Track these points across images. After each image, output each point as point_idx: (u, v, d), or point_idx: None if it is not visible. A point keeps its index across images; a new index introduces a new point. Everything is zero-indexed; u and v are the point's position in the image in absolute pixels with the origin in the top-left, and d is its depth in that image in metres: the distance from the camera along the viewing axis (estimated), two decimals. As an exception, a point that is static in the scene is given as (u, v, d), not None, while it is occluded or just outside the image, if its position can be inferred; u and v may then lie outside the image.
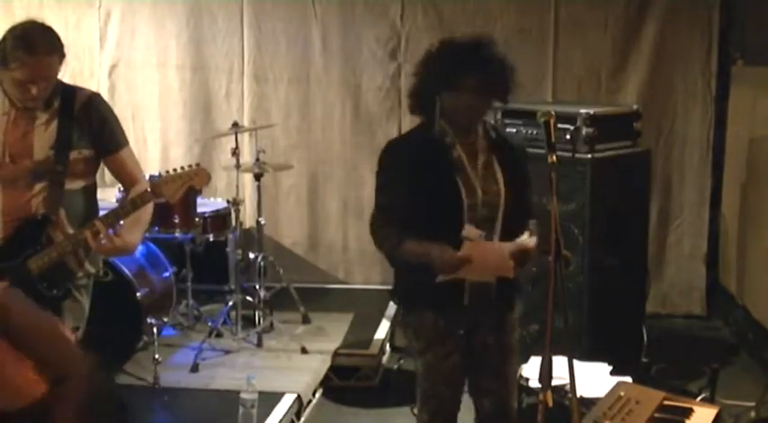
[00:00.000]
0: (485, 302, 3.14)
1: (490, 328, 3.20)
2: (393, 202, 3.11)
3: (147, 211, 3.20)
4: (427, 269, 3.00)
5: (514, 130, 4.73)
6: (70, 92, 3.20)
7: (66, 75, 3.29)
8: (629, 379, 3.85)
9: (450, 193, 3.04)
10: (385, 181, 3.15)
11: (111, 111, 3.31)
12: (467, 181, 3.06)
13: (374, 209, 3.18)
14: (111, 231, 3.06)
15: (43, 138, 3.12)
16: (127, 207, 3.09)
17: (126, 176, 3.31)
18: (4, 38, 3.01)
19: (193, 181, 3.11)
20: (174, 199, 3.12)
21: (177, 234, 5.27)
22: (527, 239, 3.03)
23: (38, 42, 2.99)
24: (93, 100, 3.24)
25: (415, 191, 3.05)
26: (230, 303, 5.42)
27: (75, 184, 3.18)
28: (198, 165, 3.19)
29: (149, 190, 3.10)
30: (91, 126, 3.18)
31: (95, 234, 3.02)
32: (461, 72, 2.98)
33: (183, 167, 3.15)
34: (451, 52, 3.05)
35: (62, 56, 3.07)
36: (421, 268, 3.01)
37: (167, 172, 3.16)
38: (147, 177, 3.45)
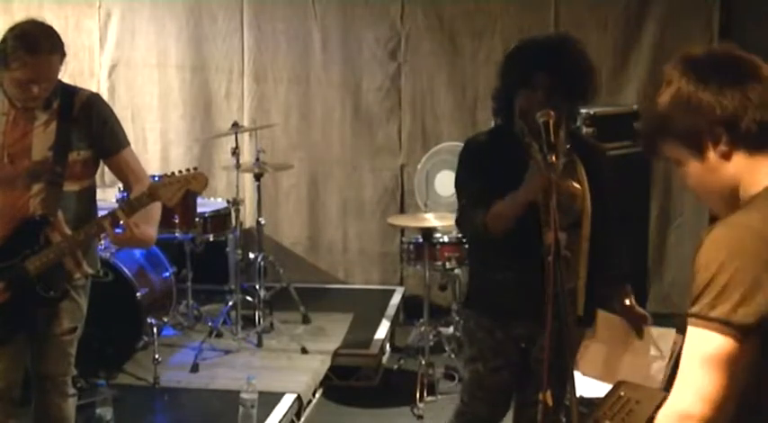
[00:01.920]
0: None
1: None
2: (471, 192, 3.08)
3: (156, 206, 3.17)
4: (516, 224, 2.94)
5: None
6: (70, 92, 3.19)
7: (66, 75, 3.26)
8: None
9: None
10: (459, 174, 3.16)
11: (112, 111, 3.29)
12: None
13: (458, 205, 3.17)
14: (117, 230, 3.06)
15: (42, 138, 3.11)
16: (125, 210, 3.07)
17: (129, 177, 3.29)
18: (4, 38, 2.99)
19: (191, 185, 3.09)
20: (171, 202, 3.09)
21: (177, 234, 5.28)
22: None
23: (39, 42, 2.97)
24: (93, 101, 3.23)
25: (490, 185, 3.01)
26: (230, 303, 5.43)
27: (73, 186, 3.16)
28: (196, 169, 3.18)
29: (146, 193, 3.08)
30: (91, 127, 3.16)
31: (114, 224, 3.01)
32: (534, 70, 2.95)
33: (181, 171, 3.13)
34: (527, 50, 3.04)
35: (63, 55, 3.05)
36: (514, 219, 2.94)
37: (165, 175, 3.15)
38: (148, 178, 3.43)
